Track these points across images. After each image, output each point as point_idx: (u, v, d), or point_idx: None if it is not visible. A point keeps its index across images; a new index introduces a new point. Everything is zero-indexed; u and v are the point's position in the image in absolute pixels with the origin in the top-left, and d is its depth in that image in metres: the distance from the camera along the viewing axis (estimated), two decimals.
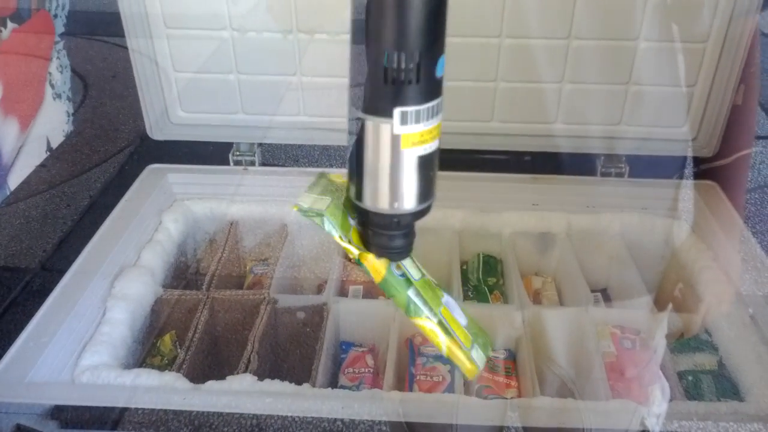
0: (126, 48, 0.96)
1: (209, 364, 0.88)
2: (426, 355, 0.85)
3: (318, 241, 1.04)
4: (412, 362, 0.85)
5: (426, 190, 0.48)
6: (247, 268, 1.06)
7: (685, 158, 1.00)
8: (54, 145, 1.63)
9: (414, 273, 0.56)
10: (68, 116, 1.70)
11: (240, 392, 0.70)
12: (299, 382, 0.72)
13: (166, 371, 0.75)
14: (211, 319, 0.89)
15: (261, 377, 0.72)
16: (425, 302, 0.55)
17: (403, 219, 0.49)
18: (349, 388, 0.85)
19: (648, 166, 1.01)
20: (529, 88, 0.97)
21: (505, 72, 0.95)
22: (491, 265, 1.00)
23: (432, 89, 0.44)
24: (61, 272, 0.84)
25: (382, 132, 0.44)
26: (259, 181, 1.04)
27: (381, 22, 0.41)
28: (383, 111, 0.44)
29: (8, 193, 1.45)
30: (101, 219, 0.94)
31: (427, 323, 0.55)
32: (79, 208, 1.48)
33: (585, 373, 0.81)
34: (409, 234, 0.52)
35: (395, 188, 0.47)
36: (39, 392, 0.70)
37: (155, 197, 1.01)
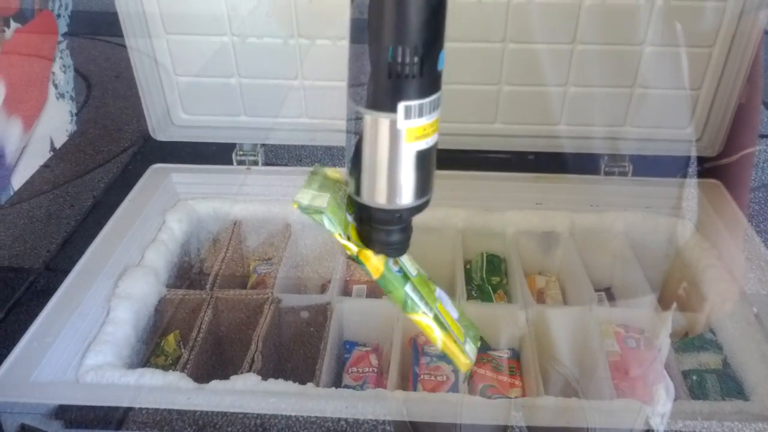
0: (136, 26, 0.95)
1: (213, 364, 0.88)
2: (430, 354, 0.85)
3: (321, 241, 1.04)
4: (416, 362, 0.85)
5: (427, 184, 0.49)
6: (251, 267, 1.06)
7: (689, 157, 1.00)
8: (57, 145, 1.63)
9: (411, 269, 0.56)
10: (71, 116, 1.70)
11: (244, 392, 0.70)
12: (303, 382, 0.72)
13: (170, 371, 0.75)
14: (214, 319, 0.89)
15: (265, 377, 0.72)
16: (422, 297, 0.56)
17: (404, 213, 0.49)
18: (353, 388, 0.85)
19: (652, 165, 1.00)
20: (532, 91, 0.97)
21: (509, 76, 0.95)
22: (495, 264, 1.00)
23: (433, 83, 0.45)
24: (65, 272, 0.84)
25: (385, 127, 0.45)
26: (262, 181, 1.04)
27: (386, 17, 0.41)
28: (386, 106, 0.44)
29: (12, 194, 1.45)
30: (105, 219, 0.94)
31: (423, 318, 0.56)
32: (83, 208, 1.48)
33: (589, 372, 0.81)
34: (407, 229, 0.52)
35: (398, 183, 0.47)
36: (43, 392, 0.70)
37: (159, 197, 1.01)
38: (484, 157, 1.05)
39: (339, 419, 0.65)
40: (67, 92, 1.65)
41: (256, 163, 1.05)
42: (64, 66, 1.61)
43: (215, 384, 0.71)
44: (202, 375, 0.82)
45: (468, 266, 1.01)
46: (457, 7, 0.88)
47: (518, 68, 0.94)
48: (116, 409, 0.68)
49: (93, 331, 0.80)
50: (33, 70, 1.50)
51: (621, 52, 0.92)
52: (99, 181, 1.58)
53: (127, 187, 1.01)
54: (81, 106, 1.86)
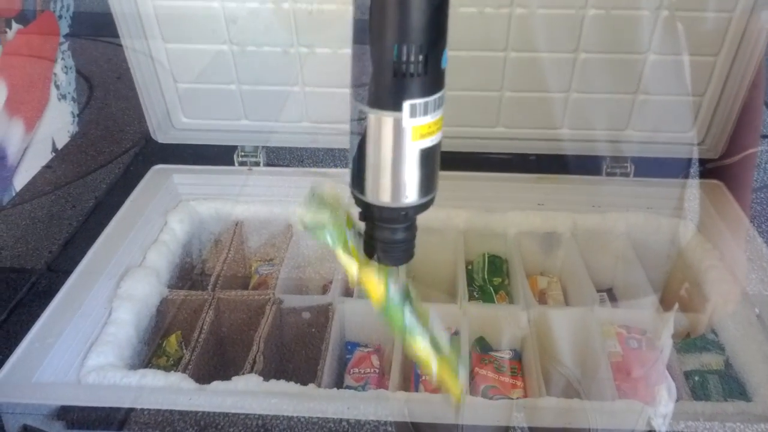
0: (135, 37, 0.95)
1: (215, 365, 0.88)
2: None
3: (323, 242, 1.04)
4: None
5: (431, 182, 0.49)
6: (253, 268, 1.06)
7: (690, 158, 1.00)
8: (59, 145, 1.64)
9: (406, 290, 0.56)
10: (73, 117, 1.70)
11: (245, 393, 0.70)
12: (305, 383, 0.72)
13: (172, 372, 0.76)
14: (216, 320, 0.89)
15: (266, 378, 0.73)
16: (419, 322, 0.56)
17: (410, 211, 0.49)
18: (355, 389, 0.85)
19: (653, 166, 1.00)
20: (535, 97, 0.96)
21: (511, 83, 0.94)
22: (496, 265, 1.00)
23: (438, 80, 0.45)
24: (67, 273, 0.84)
25: (390, 126, 0.45)
26: (264, 182, 1.04)
27: (390, 17, 0.42)
28: (391, 105, 0.44)
29: (14, 194, 1.45)
30: (107, 220, 0.94)
31: (421, 344, 0.56)
32: (85, 208, 1.48)
33: (591, 373, 0.81)
34: (411, 230, 0.52)
35: (403, 181, 0.47)
36: (45, 393, 0.70)
37: (160, 198, 1.01)
38: (485, 158, 1.05)
39: (341, 420, 0.65)
40: (69, 93, 1.65)
41: (257, 164, 1.06)
42: (65, 67, 1.62)
43: (217, 385, 0.71)
44: (203, 376, 0.82)
45: (470, 267, 1.01)
46: (459, 17, 0.88)
47: (520, 75, 0.94)
48: (118, 409, 0.68)
49: (95, 332, 0.80)
50: (35, 71, 1.50)
51: (624, 61, 0.91)
52: (101, 181, 1.58)
53: (128, 187, 1.01)
54: (83, 107, 1.86)
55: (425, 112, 0.45)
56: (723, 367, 0.79)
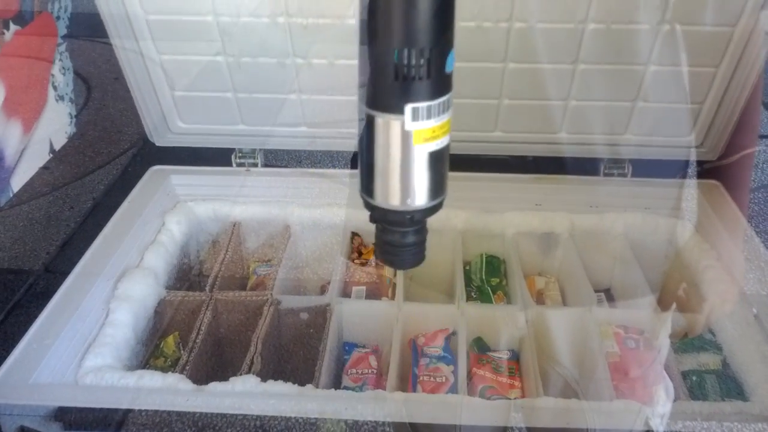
0: (129, 51, 0.95)
1: (212, 366, 0.88)
2: (429, 355, 0.85)
3: (321, 242, 1.04)
4: (416, 363, 0.85)
5: (439, 186, 0.48)
6: (250, 269, 1.06)
7: (688, 159, 1.00)
8: (57, 147, 1.63)
9: None
10: (71, 118, 1.70)
11: (243, 393, 0.70)
12: (302, 383, 0.72)
13: (170, 373, 0.75)
14: (214, 321, 0.89)
15: (264, 378, 0.73)
16: None
17: (417, 215, 0.49)
18: (353, 389, 0.85)
19: (651, 166, 1.00)
20: (533, 104, 0.96)
21: (510, 91, 0.94)
22: (494, 265, 1.00)
23: (442, 84, 0.44)
24: (65, 274, 0.84)
25: (394, 129, 0.45)
26: (261, 183, 1.04)
27: (390, 19, 0.41)
28: (394, 108, 0.44)
29: (11, 195, 1.45)
30: (104, 221, 0.94)
31: None
32: (83, 209, 1.48)
33: (588, 373, 0.81)
34: (421, 233, 0.52)
35: (409, 184, 0.47)
36: (42, 394, 0.70)
37: (158, 199, 1.01)
38: (483, 158, 1.05)
39: (338, 421, 0.65)
40: (67, 94, 1.65)
41: (255, 165, 1.05)
42: (63, 68, 1.61)
43: (214, 386, 0.71)
44: (201, 377, 0.82)
45: (467, 267, 1.01)
46: (458, 31, 0.87)
47: (519, 84, 0.93)
48: (115, 410, 0.68)
49: (92, 333, 0.80)
50: (32, 72, 1.50)
51: (624, 71, 0.91)
52: (98, 182, 1.58)
53: (126, 188, 1.01)
54: (80, 108, 1.86)
55: (428, 116, 0.44)
56: (720, 366, 0.79)
